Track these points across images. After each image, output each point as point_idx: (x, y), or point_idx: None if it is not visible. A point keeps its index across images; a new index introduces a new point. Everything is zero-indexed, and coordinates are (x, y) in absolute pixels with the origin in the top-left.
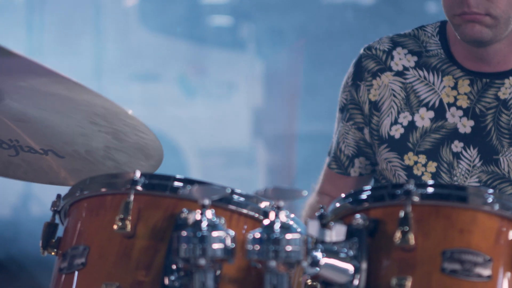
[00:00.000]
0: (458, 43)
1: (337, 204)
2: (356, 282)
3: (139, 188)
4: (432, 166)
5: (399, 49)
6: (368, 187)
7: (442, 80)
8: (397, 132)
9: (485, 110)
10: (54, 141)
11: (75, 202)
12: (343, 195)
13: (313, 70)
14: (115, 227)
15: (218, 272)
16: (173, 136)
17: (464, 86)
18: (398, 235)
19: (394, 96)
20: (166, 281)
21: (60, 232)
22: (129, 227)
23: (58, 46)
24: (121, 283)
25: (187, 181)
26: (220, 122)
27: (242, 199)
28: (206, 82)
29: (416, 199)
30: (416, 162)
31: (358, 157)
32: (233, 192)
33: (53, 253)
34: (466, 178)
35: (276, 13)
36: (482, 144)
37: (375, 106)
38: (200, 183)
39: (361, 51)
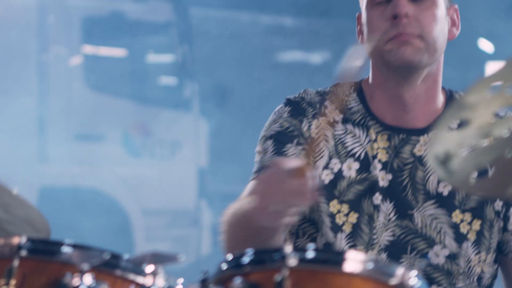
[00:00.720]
0: (376, 98)
1: (221, 267)
2: None
3: (23, 253)
4: (353, 217)
5: (327, 103)
6: (251, 250)
7: (367, 135)
8: (327, 177)
9: (402, 165)
10: None
11: None
12: (228, 258)
13: (244, 131)
14: None
15: None
16: (116, 196)
17: (383, 140)
18: None
19: (326, 141)
20: None
21: None
22: None
23: (0, 105)
24: None
25: (74, 246)
26: (165, 181)
27: (128, 264)
28: (151, 141)
29: (293, 263)
30: (338, 211)
31: None
32: (116, 256)
33: None
34: (383, 231)
35: (221, 72)
36: (398, 199)
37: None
38: (85, 248)
39: (292, 98)
